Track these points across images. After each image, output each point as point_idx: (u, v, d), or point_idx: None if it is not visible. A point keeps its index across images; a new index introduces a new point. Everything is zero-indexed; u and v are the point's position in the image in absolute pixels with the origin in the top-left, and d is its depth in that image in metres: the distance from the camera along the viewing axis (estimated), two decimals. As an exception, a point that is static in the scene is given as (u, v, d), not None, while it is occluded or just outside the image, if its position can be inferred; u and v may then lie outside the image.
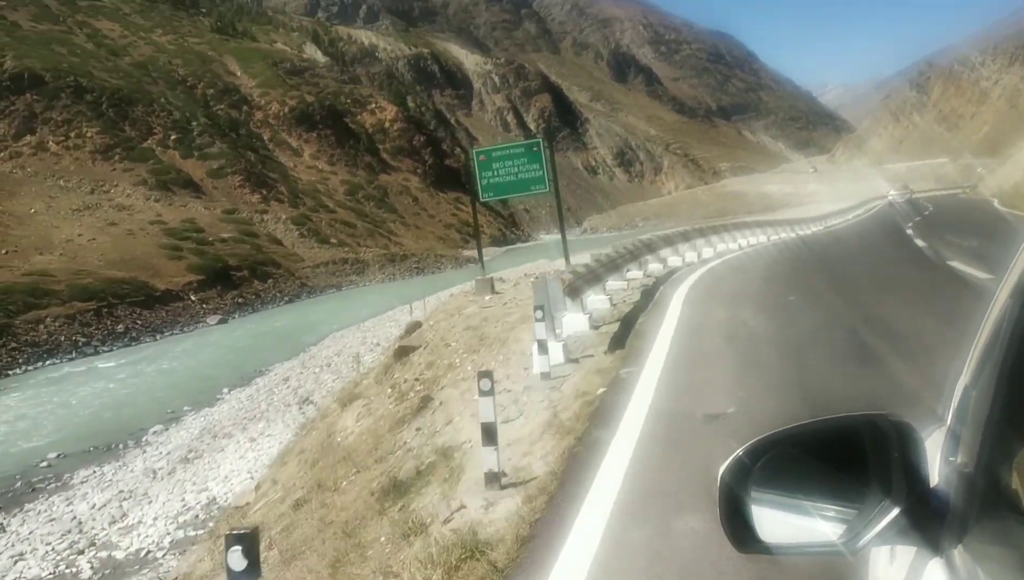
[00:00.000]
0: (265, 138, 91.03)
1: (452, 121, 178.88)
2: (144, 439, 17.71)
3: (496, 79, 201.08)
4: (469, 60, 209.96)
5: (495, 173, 17.83)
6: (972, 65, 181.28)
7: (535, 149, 17.90)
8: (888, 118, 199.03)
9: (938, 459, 1.39)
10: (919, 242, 19.49)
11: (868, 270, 15.62)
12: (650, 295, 13.53)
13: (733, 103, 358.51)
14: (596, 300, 12.15)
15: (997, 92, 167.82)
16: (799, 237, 33.48)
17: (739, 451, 1.32)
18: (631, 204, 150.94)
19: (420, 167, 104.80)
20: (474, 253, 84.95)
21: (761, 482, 1.33)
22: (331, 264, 55.51)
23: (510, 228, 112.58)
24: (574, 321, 10.29)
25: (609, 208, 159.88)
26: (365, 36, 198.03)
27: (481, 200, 19.03)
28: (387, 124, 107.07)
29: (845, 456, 1.32)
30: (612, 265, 14.41)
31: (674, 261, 20.81)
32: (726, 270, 18.71)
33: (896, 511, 1.24)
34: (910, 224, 30.48)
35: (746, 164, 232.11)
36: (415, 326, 17.48)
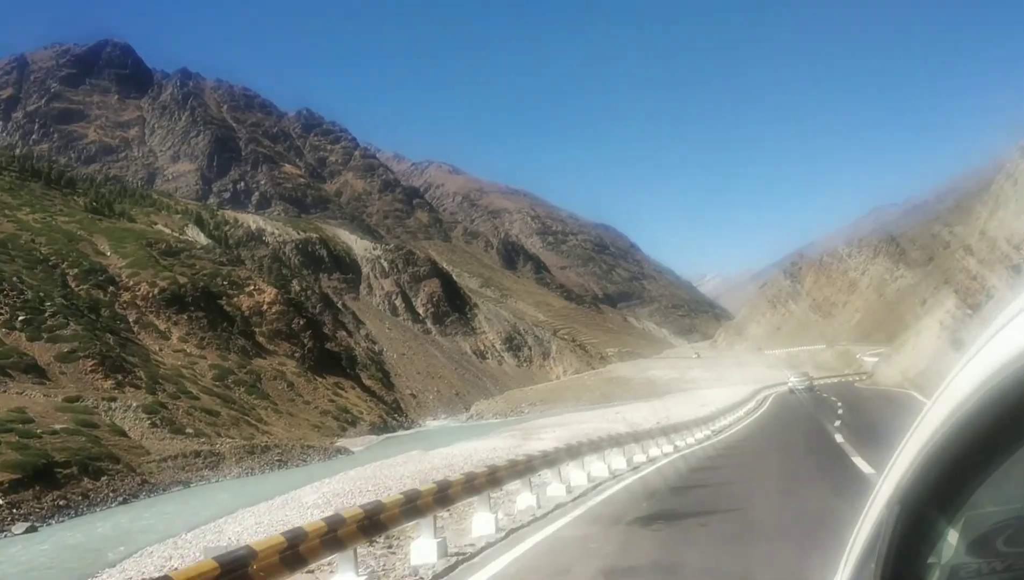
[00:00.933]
0: (130, 320, 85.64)
1: (339, 305, 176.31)
2: None
3: (385, 264, 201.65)
4: (358, 245, 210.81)
5: None
6: (840, 257, 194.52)
7: None
8: (765, 305, 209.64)
9: None
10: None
11: None
12: None
13: (618, 291, 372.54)
14: None
15: (865, 282, 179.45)
16: (680, 456, 23.72)
17: None
18: (518, 389, 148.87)
19: (299, 351, 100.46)
20: (351, 441, 79.84)
21: None
22: (181, 457, 49.84)
23: (392, 414, 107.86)
24: None
25: (498, 393, 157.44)
26: (253, 220, 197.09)
27: None
28: (265, 306, 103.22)
29: None
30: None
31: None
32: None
33: None
34: (837, 432, 23.33)
35: (632, 349, 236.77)
36: None
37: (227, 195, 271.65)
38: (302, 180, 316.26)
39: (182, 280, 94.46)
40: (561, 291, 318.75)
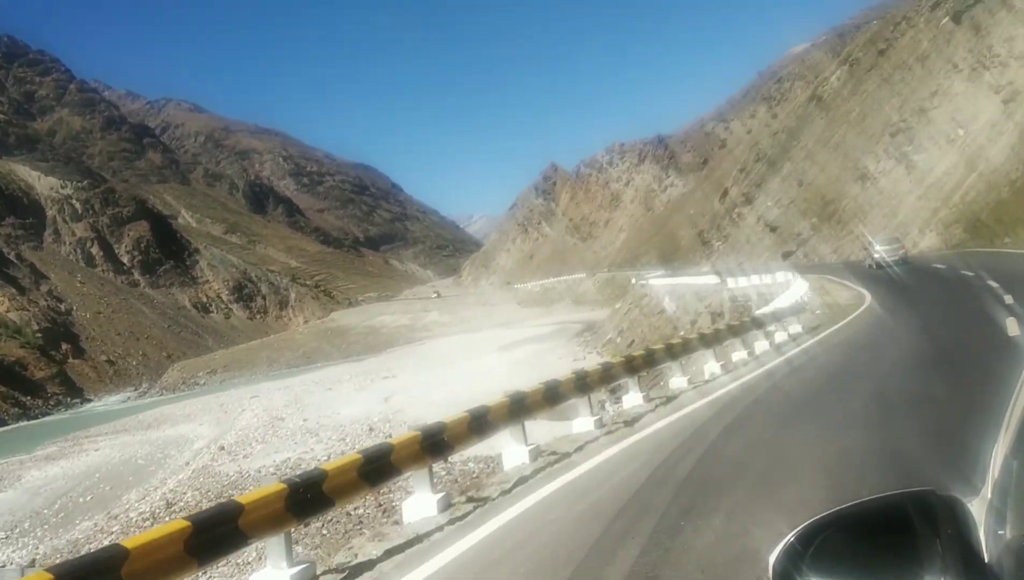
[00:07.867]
0: None
1: (11, 256, 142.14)
2: None
3: (77, 205, 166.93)
4: (42, 183, 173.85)
5: None
6: (600, 166, 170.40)
7: None
8: (516, 231, 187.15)
9: (982, 532, 1.30)
10: None
11: None
12: None
13: (380, 233, 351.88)
14: None
15: (630, 194, 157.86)
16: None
17: (790, 536, 1.26)
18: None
19: None
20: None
21: (813, 567, 1.26)
22: None
23: (24, 395, 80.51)
24: None
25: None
26: None
27: None
28: None
29: (896, 534, 1.26)
30: None
31: None
32: None
33: None
34: None
35: (394, 292, 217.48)
36: None
37: None
38: (2, 117, 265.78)
39: None
40: (317, 235, 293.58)
